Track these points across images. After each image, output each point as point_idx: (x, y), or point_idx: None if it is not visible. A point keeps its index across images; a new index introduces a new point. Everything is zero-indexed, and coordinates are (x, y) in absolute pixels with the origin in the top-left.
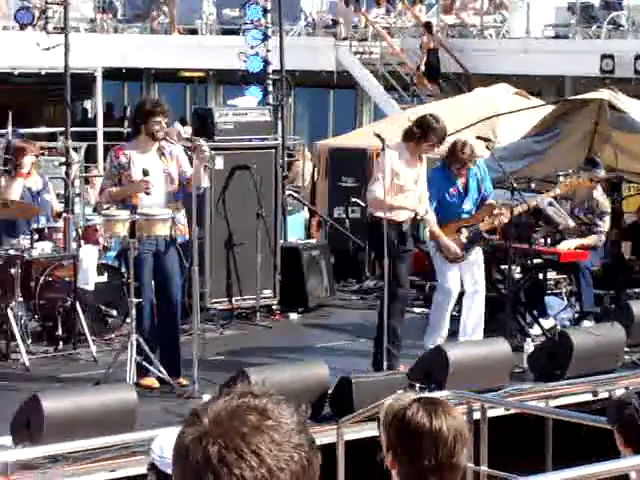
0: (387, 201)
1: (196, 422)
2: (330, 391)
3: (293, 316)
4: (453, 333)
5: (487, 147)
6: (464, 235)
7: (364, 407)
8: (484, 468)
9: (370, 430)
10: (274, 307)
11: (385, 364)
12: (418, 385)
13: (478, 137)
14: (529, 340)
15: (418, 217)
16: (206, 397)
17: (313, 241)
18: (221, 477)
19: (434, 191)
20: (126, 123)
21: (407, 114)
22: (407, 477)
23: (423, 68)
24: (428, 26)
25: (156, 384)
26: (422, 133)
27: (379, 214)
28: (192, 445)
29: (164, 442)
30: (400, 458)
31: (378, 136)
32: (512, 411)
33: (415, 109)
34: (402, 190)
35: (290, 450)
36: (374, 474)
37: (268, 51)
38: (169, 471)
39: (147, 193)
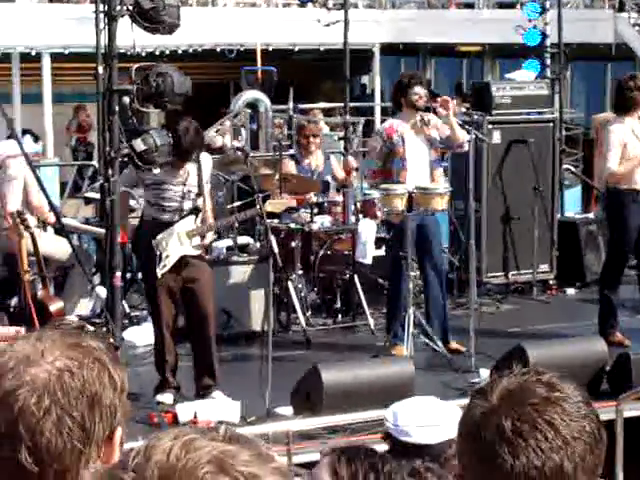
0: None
1: (484, 399)
2: (608, 367)
3: (570, 291)
4: None
5: None
6: None
7: None
8: None
9: None
10: (551, 282)
11: None
12: None
13: None
14: None
15: None
16: (483, 371)
17: (590, 215)
18: (517, 449)
19: None
20: None
21: None
22: None
23: None
24: None
25: (404, 353)
26: None
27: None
28: (483, 420)
29: (398, 410)
30: None
31: None
32: None
33: None
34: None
35: (581, 420)
36: None
37: (546, 24)
38: (404, 439)
39: None
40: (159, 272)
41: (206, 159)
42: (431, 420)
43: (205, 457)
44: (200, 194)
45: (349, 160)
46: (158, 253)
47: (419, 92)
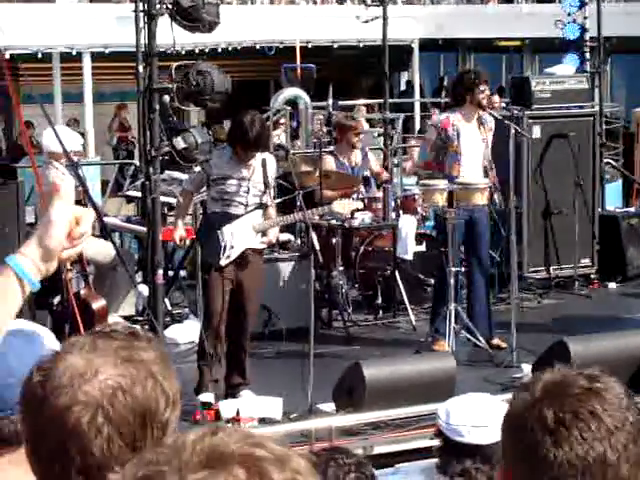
0: None
1: (526, 392)
2: None
3: (612, 285)
4: None
5: None
6: None
7: None
8: None
9: None
10: (592, 276)
11: None
12: None
13: None
14: None
15: None
16: (525, 366)
17: (632, 209)
18: (560, 438)
19: None
20: (443, 94)
21: None
22: None
23: None
24: None
25: (445, 348)
26: None
27: None
28: (525, 412)
29: (451, 408)
30: None
31: None
32: None
33: None
34: None
35: (624, 411)
36: None
37: (585, 18)
38: (456, 438)
39: None
40: (222, 262)
41: (271, 159)
42: (484, 420)
43: (234, 435)
44: (265, 192)
45: (382, 173)
46: (223, 243)
47: (486, 90)
